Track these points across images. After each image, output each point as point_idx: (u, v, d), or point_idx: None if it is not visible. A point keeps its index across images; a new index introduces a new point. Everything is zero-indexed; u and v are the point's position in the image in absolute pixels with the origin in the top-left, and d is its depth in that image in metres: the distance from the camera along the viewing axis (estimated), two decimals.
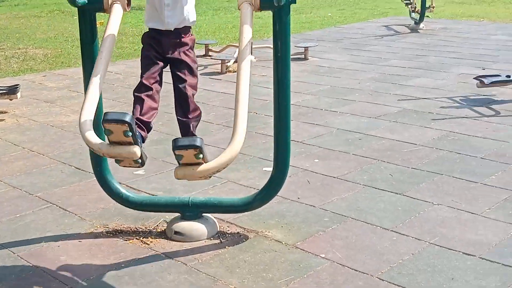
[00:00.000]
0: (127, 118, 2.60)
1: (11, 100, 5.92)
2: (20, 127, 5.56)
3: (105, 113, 2.65)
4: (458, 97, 6.30)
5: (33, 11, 15.37)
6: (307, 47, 8.63)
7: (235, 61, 7.86)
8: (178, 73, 3.10)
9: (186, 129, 3.06)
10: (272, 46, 3.30)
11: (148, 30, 3.18)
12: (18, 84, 6.03)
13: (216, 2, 16.10)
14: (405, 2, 11.28)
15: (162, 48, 3.10)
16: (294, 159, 4.49)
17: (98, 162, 3.49)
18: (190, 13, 3.12)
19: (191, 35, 3.19)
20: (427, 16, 11.37)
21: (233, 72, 7.61)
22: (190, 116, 3.06)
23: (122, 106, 6.18)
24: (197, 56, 3.27)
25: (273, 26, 3.20)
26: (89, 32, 3.27)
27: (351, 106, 6.09)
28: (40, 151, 4.90)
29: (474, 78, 6.25)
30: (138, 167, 2.84)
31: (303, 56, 8.57)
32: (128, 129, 2.61)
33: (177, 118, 3.08)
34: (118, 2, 3.13)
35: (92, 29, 3.28)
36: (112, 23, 3.06)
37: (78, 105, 6.12)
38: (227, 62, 7.85)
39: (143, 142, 2.91)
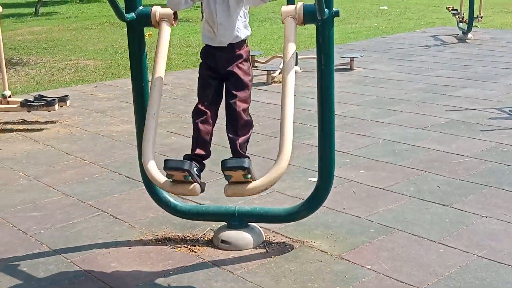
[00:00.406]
0: (186, 166, 2.87)
1: (49, 112, 6.09)
2: (72, 137, 5.74)
3: (165, 160, 2.89)
4: (507, 107, 6.20)
5: (85, 23, 15.81)
6: (353, 57, 8.63)
7: (280, 72, 7.94)
8: (230, 88, 3.15)
9: (234, 147, 3.10)
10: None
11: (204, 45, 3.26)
12: (67, 95, 6.22)
13: (262, 13, 16.22)
14: (452, 12, 11.16)
15: (216, 63, 3.16)
16: (340, 170, 4.51)
17: None
18: (242, 29, 3.16)
19: (246, 47, 3.23)
20: (475, 26, 11.21)
21: (279, 82, 7.67)
22: (239, 133, 3.10)
23: (170, 116, 6.30)
24: None
25: (317, 39, 3.24)
26: (138, 45, 3.39)
27: (397, 116, 6.06)
28: (91, 160, 5.05)
29: None
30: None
31: (348, 66, 8.57)
32: (188, 174, 2.87)
33: (227, 135, 3.14)
34: (165, 19, 3.23)
35: (140, 42, 3.39)
36: (161, 44, 3.22)
37: (128, 115, 6.28)
38: (272, 73, 7.92)
39: (201, 171, 3.08)
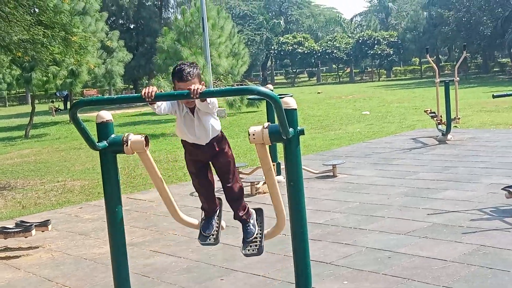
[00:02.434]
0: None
1: (26, 237, 6.07)
2: (54, 262, 5.68)
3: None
4: (488, 208, 6.25)
5: (73, 144, 16.07)
6: (335, 164, 8.75)
7: (264, 183, 8.06)
8: (216, 173, 3.70)
9: (238, 217, 3.77)
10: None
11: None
12: (49, 220, 6.22)
13: (248, 124, 16.60)
14: (430, 115, 11.49)
15: (197, 156, 3.66)
16: (323, 282, 4.47)
17: None
18: (214, 127, 3.60)
19: (220, 134, 3.65)
20: (455, 126, 11.50)
21: (263, 193, 7.75)
22: (238, 206, 3.73)
23: (154, 234, 6.28)
24: None
25: (284, 156, 3.34)
26: (111, 171, 3.48)
27: (380, 223, 6.08)
28: (72, 286, 4.97)
29: (502, 189, 6.22)
30: None
31: (331, 173, 8.67)
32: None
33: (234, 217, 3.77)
34: (137, 147, 3.36)
35: (114, 167, 3.48)
36: (149, 167, 3.50)
37: None
38: (256, 184, 7.99)
39: (220, 214, 3.89)
